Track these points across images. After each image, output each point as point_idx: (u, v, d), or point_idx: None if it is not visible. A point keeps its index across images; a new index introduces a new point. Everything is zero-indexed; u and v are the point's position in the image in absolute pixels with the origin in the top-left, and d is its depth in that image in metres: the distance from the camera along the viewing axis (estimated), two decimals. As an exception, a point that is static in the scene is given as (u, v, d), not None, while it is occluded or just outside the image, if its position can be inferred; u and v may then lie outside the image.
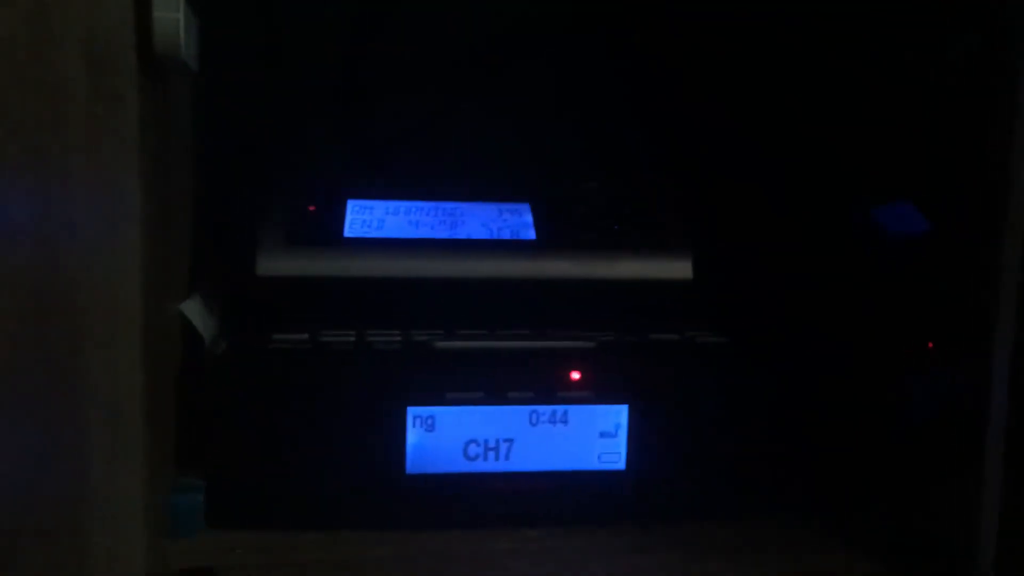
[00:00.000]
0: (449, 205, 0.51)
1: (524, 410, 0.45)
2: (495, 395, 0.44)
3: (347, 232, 0.49)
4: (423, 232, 0.50)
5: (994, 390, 0.38)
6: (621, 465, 0.45)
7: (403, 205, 0.51)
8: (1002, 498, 0.38)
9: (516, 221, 0.51)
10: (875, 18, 0.48)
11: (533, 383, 0.45)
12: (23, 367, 0.21)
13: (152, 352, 0.37)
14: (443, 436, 0.44)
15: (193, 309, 0.46)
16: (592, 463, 0.45)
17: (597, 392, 0.45)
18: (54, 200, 0.22)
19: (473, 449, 0.45)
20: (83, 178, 0.25)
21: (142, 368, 0.34)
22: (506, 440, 0.45)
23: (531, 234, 0.50)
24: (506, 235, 0.50)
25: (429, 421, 0.44)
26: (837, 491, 0.49)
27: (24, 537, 0.21)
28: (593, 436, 0.45)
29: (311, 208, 0.50)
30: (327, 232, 0.49)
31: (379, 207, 0.51)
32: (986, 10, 0.40)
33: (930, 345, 0.44)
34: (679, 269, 0.50)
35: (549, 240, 0.50)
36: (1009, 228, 0.38)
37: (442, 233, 0.50)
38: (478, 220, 0.51)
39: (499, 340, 0.46)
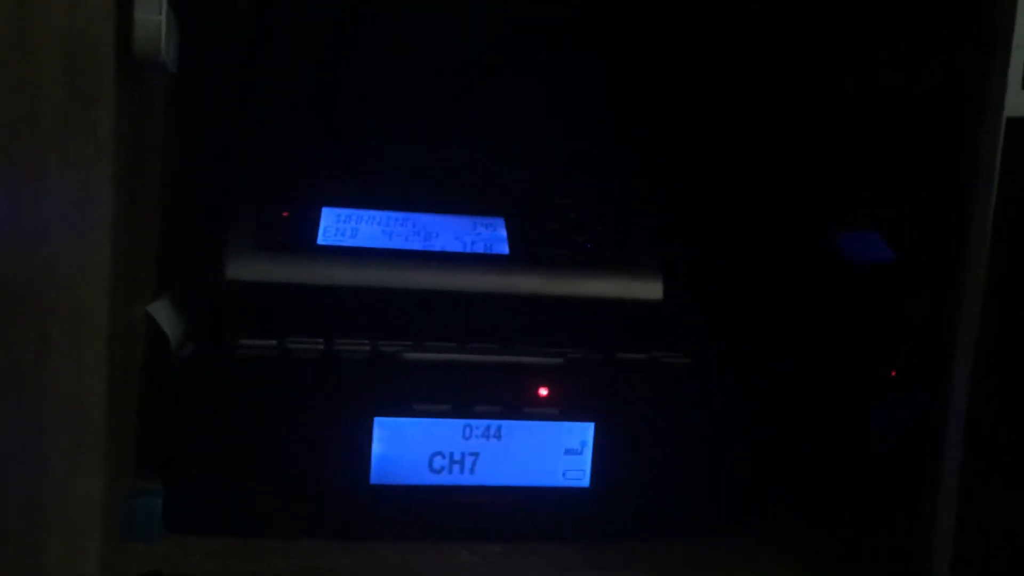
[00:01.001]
0: (424, 217, 0.51)
1: (491, 424, 0.45)
2: (462, 408, 0.45)
3: (320, 239, 0.49)
4: (397, 243, 0.50)
5: (952, 415, 0.39)
6: (585, 482, 0.46)
7: (378, 215, 0.51)
8: (958, 518, 0.39)
9: (490, 235, 0.51)
10: (843, 49, 0.49)
11: (500, 398, 0.45)
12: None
13: (117, 355, 0.36)
14: (408, 447, 0.44)
15: (161, 311, 0.46)
16: (556, 480, 0.46)
17: (564, 409, 0.45)
18: (26, 201, 0.22)
19: (438, 462, 0.45)
20: (56, 179, 0.25)
21: (106, 371, 0.34)
22: (471, 454, 0.45)
23: (504, 249, 0.50)
24: (479, 249, 0.50)
25: (395, 432, 0.44)
26: (799, 510, 0.49)
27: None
28: (558, 453, 0.45)
29: (284, 214, 0.50)
30: (300, 238, 0.49)
31: (354, 216, 0.50)
32: (951, 44, 0.41)
33: (892, 373, 0.45)
34: (649, 289, 0.50)
35: (522, 255, 0.50)
36: (970, 259, 0.39)
37: (416, 244, 0.50)
38: (452, 233, 0.51)
39: (468, 353, 0.46)
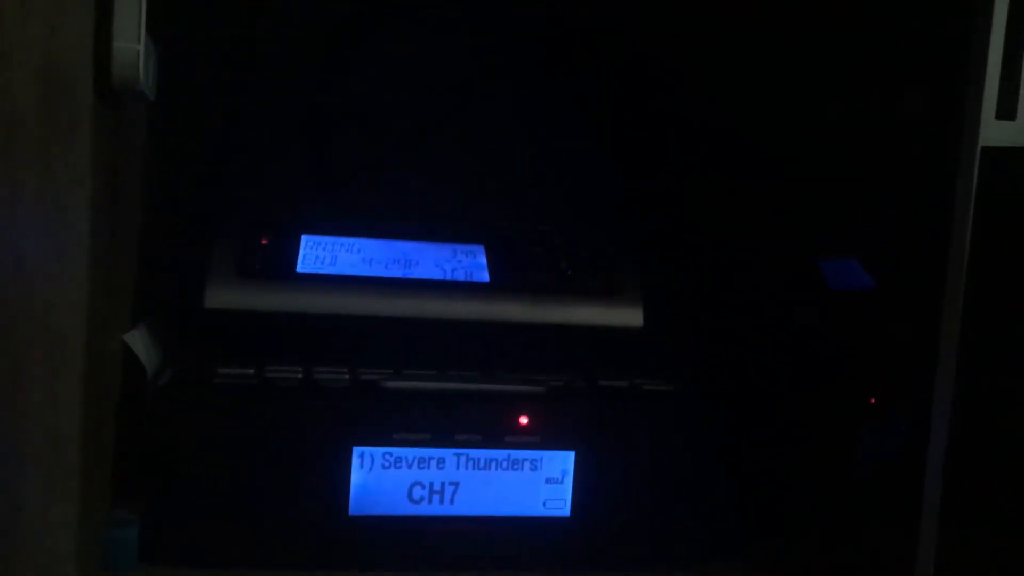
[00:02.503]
0: (404, 244, 0.51)
1: (471, 453, 0.45)
2: (442, 437, 0.44)
3: (300, 267, 0.49)
4: (377, 270, 0.50)
5: (932, 443, 0.39)
6: (566, 512, 0.45)
7: (357, 243, 0.51)
8: (938, 545, 0.39)
9: (470, 263, 0.51)
10: (821, 77, 0.50)
11: (481, 426, 0.44)
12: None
13: (93, 384, 0.36)
14: (388, 477, 0.44)
15: (137, 340, 0.45)
16: (537, 509, 0.45)
17: (544, 438, 0.45)
18: (2, 228, 0.22)
19: (418, 492, 0.44)
20: (32, 206, 0.24)
21: (82, 400, 0.33)
22: (451, 483, 0.45)
23: (485, 276, 0.50)
24: (460, 276, 0.50)
25: (374, 461, 0.44)
26: (783, 536, 0.49)
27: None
28: (539, 482, 0.45)
29: (264, 241, 0.49)
30: (279, 266, 0.48)
31: (333, 244, 0.50)
32: (929, 73, 0.41)
33: (872, 400, 0.45)
34: (630, 316, 0.50)
35: (502, 283, 0.50)
36: (949, 288, 0.39)
37: (396, 272, 0.50)
38: (432, 260, 0.51)
39: (448, 382, 0.45)
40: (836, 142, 0.49)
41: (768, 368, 0.52)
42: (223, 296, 0.47)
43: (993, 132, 0.38)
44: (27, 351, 0.25)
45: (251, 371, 0.45)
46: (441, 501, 0.44)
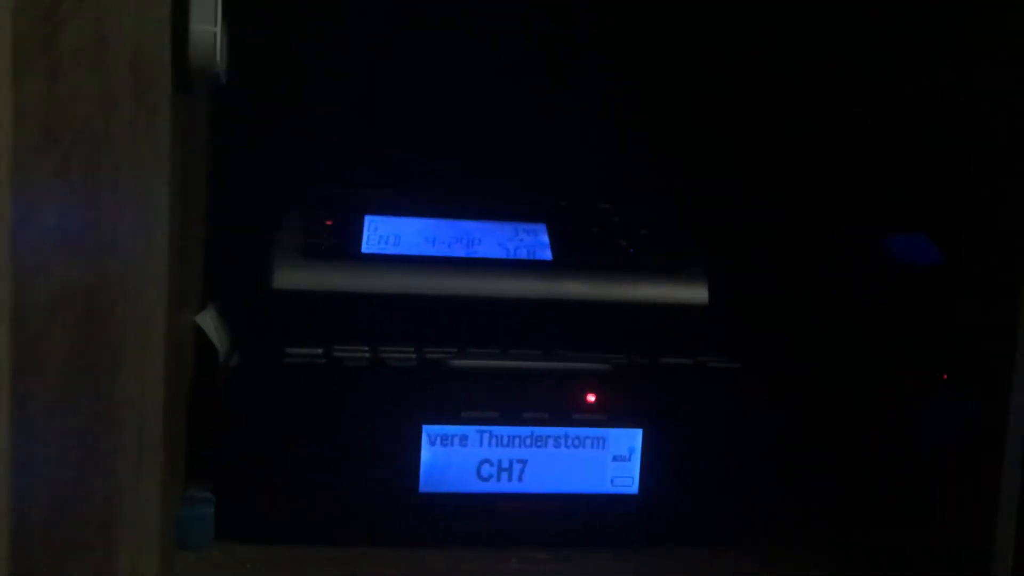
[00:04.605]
0: (466, 224, 0.51)
1: (538, 431, 0.45)
2: (510, 415, 0.44)
3: (364, 248, 0.49)
4: (440, 250, 0.50)
5: (1012, 420, 0.38)
6: (634, 489, 0.45)
7: (420, 222, 0.51)
8: (1016, 537, 0.38)
9: (532, 241, 0.51)
10: (897, 45, 0.49)
11: (548, 404, 0.45)
12: (76, 385, 0.21)
13: (171, 364, 0.36)
14: (457, 455, 0.44)
15: (208, 321, 0.46)
16: (605, 487, 0.45)
17: (612, 415, 0.45)
18: (104, 213, 0.22)
19: (486, 469, 0.45)
20: (126, 190, 0.25)
21: (164, 379, 0.34)
22: (519, 461, 0.45)
23: (547, 255, 0.50)
24: (522, 255, 0.50)
25: (443, 440, 0.44)
26: (850, 516, 0.49)
27: (70, 558, 0.21)
28: (606, 459, 0.45)
29: (328, 223, 0.50)
30: (344, 247, 0.49)
31: (396, 224, 0.51)
32: (1009, 42, 0.41)
33: (944, 376, 0.44)
34: (695, 293, 0.50)
35: (565, 261, 0.50)
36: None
37: (459, 251, 0.50)
38: (495, 239, 0.51)
39: (513, 360, 0.46)
40: (909, 114, 0.48)
41: (835, 344, 0.52)
42: (291, 277, 0.47)
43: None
44: (123, 330, 0.25)
45: (319, 351, 0.45)
46: (509, 478, 0.45)
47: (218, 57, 0.34)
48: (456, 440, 0.44)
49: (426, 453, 0.44)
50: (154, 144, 0.30)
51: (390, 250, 0.49)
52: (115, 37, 0.23)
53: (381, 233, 0.50)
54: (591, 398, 0.45)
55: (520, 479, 0.45)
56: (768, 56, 0.59)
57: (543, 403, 0.45)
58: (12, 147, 0.16)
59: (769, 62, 0.59)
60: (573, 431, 0.45)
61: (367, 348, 0.46)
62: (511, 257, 0.50)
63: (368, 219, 0.50)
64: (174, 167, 0.34)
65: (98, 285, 0.22)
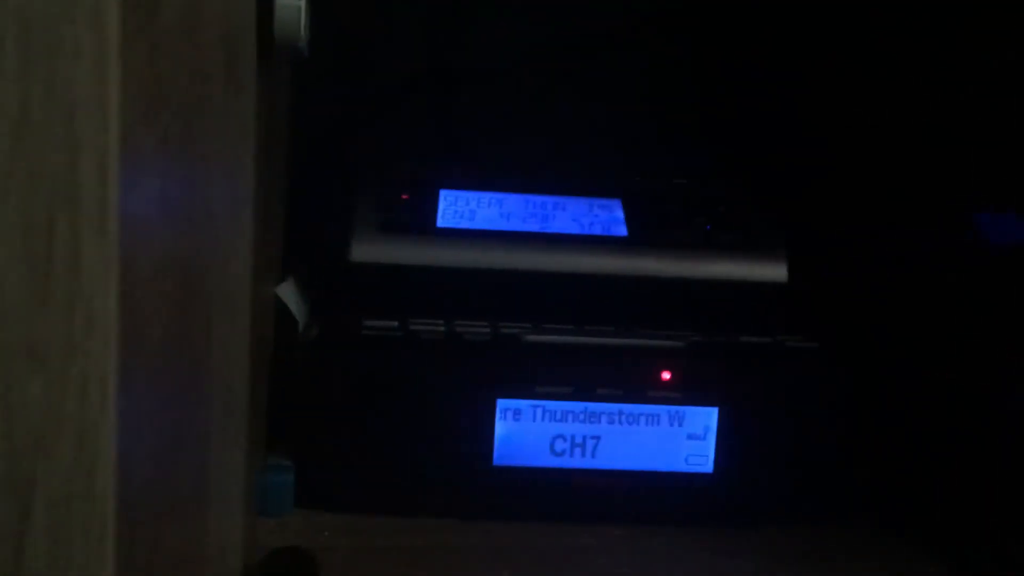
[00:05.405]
0: (540, 198, 0.51)
1: (612, 408, 0.45)
2: (584, 391, 0.44)
3: (440, 222, 0.49)
4: (514, 225, 0.50)
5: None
6: (709, 468, 0.45)
7: (495, 197, 0.51)
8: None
9: (607, 217, 0.51)
10: (977, 22, 0.47)
11: (623, 381, 0.44)
12: (173, 354, 0.22)
13: (255, 334, 0.37)
14: (530, 430, 0.44)
15: (288, 293, 0.47)
16: (679, 465, 0.45)
17: (687, 393, 0.45)
18: (198, 186, 0.23)
19: (560, 444, 0.45)
20: (216, 164, 0.25)
21: (248, 348, 0.35)
22: (593, 437, 0.45)
23: (622, 230, 0.50)
24: (597, 231, 0.50)
25: (517, 414, 0.44)
26: (928, 501, 0.48)
27: (166, 520, 0.22)
28: (681, 438, 0.45)
29: (404, 197, 0.50)
30: (420, 221, 0.49)
31: (471, 198, 0.51)
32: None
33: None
34: (773, 271, 0.49)
35: (641, 237, 0.50)
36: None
37: (533, 226, 0.50)
38: (569, 214, 0.51)
39: (588, 336, 0.45)
40: (996, 90, 0.46)
41: (916, 323, 0.50)
42: (368, 250, 0.48)
43: None
44: (213, 300, 0.26)
45: (395, 324, 0.46)
46: (583, 454, 0.45)
47: (302, 31, 0.34)
48: (530, 414, 0.44)
49: (500, 427, 0.44)
50: (241, 118, 0.30)
51: (465, 224, 0.49)
52: (208, 13, 0.23)
53: (456, 207, 0.50)
54: (666, 375, 0.45)
55: (593, 455, 0.45)
56: (851, 29, 0.57)
57: (617, 379, 0.44)
58: (120, 116, 0.17)
59: (852, 35, 0.57)
60: (647, 408, 0.45)
61: (442, 322, 0.46)
62: (586, 232, 0.50)
63: (443, 193, 0.51)
64: (259, 141, 0.35)
65: (193, 256, 0.23)
